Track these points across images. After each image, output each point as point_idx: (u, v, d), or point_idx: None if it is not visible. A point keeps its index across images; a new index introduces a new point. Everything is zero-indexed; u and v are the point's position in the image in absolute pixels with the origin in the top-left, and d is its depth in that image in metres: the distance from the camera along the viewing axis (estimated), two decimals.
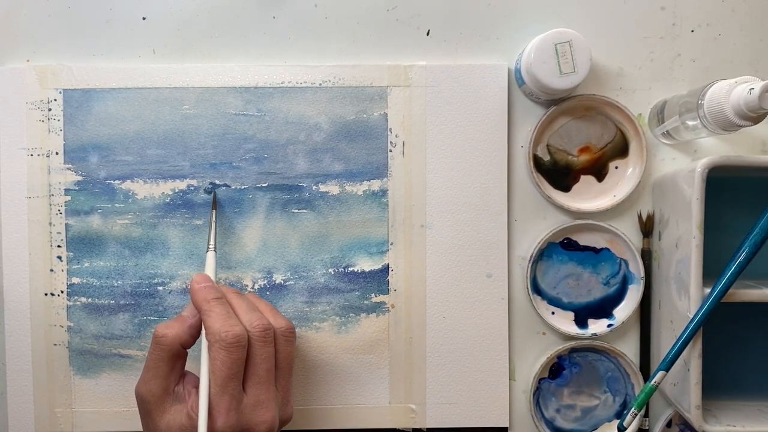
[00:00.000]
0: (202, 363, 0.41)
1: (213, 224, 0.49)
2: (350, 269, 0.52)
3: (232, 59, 0.52)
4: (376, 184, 0.52)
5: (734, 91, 0.42)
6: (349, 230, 0.52)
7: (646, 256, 0.52)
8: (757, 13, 0.52)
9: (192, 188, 0.51)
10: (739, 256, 0.44)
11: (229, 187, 0.51)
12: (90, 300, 0.51)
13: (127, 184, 0.51)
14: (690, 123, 0.46)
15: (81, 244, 0.51)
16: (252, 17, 0.52)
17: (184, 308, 0.45)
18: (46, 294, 0.51)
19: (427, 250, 0.52)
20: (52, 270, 0.51)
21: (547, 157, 0.52)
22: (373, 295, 0.52)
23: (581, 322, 0.52)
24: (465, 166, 0.52)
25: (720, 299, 0.44)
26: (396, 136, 0.52)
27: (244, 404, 0.40)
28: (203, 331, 0.42)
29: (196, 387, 0.42)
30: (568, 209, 0.51)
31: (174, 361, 0.42)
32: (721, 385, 0.50)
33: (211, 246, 0.48)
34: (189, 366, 0.45)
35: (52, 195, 0.51)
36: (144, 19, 0.52)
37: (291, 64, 0.52)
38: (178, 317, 0.44)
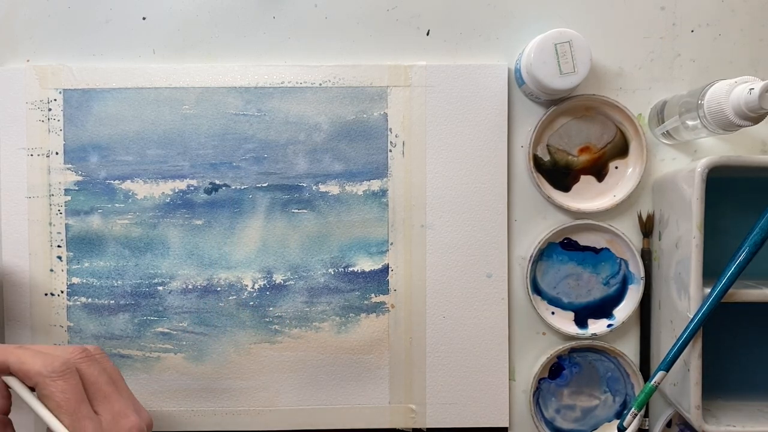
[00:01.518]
0: (38, 411, 0.37)
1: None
2: (350, 269, 0.52)
3: (232, 59, 0.52)
4: (376, 184, 0.52)
5: (734, 91, 0.42)
6: (349, 230, 0.52)
7: (646, 256, 0.52)
8: (757, 13, 0.52)
9: (192, 188, 0.51)
10: (739, 256, 0.44)
11: (229, 187, 0.51)
12: (90, 300, 0.51)
13: (127, 184, 0.51)
14: (690, 123, 0.46)
15: (81, 244, 0.51)
16: (252, 17, 0.52)
17: None
18: (46, 294, 0.51)
19: (427, 250, 0.52)
20: (52, 270, 0.51)
21: (547, 157, 0.52)
22: (373, 295, 0.52)
23: (581, 322, 0.52)
24: (465, 166, 0.52)
25: (720, 299, 0.44)
26: (396, 136, 0.52)
27: (104, 422, 0.38)
28: (17, 385, 0.39)
29: None
30: (568, 209, 0.51)
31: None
32: (721, 385, 0.50)
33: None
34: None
35: (52, 195, 0.51)
36: (144, 19, 0.52)
37: (291, 64, 0.52)
38: None
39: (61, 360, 0.38)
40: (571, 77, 0.47)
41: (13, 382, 0.39)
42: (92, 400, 0.39)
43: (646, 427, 0.52)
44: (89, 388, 0.39)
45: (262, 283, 0.52)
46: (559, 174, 0.52)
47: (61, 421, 0.37)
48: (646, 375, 0.52)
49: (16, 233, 0.51)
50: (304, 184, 0.52)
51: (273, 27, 0.52)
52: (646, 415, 0.52)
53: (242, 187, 0.51)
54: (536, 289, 0.52)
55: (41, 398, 0.37)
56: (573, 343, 0.52)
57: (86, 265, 0.51)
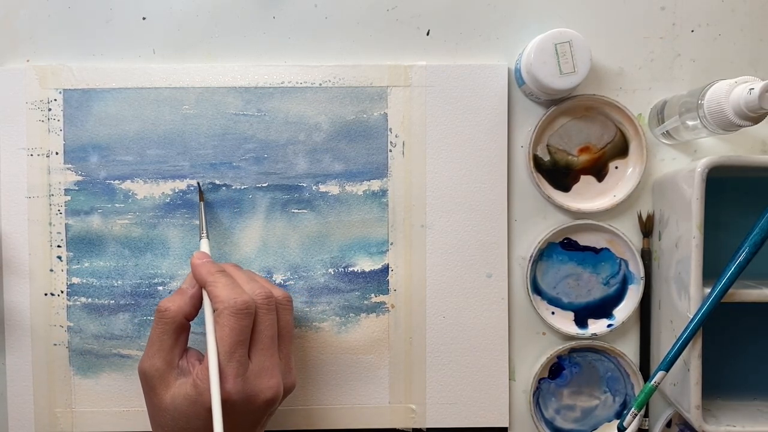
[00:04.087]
0: (208, 332, 0.41)
1: (202, 214, 0.50)
2: (350, 269, 0.52)
3: (232, 59, 0.52)
4: (376, 184, 0.52)
5: (734, 91, 0.42)
6: (349, 230, 0.52)
7: (646, 256, 0.52)
8: (757, 13, 0.52)
9: (192, 188, 0.51)
10: (739, 256, 0.44)
11: (230, 187, 0.51)
12: (90, 300, 0.51)
13: (127, 184, 0.51)
14: (690, 123, 0.46)
15: (81, 244, 0.51)
16: (252, 17, 0.52)
17: (182, 282, 0.46)
18: (46, 294, 0.51)
19: (427, 250, 0.52)
20: (52, 270, 0.51)
21: (547, 157, 0.52)
22: (373, 295, 0.52)
23: (581, 322, 0.52)
24: (465, 166, 0.52)
25: (720, 299, 0.44)
26: (396, 136, 0.52)
27: (250, 371, 0.41)
28: (206, 301, 0.43)
29: (199, 360, 0.43)
30: (568, 209, 0.51)
31: (178, 334, 0.43)
32: (721, 385, 0.50)
33: (203, 234, 0.49)
34: (189, 343, 0.45)
35: (52, 195, 0.51)
36: (144, 19, 0.52)
37: (291, 64, 0.52)
38: (177, 291, 0.44)
39: (243, 300, 0.41)
40: (571, 77, 0.47)
41: (206, 299, 0.43)
42: (252, 345, 0.42)
43: (646, 427, 0.52)
44: (254, 336, 0.42)
45: None
46: (559, 174, 0.52)
47: (217, 351, 0.40)
48: (646, 375, 0.52)
49: (16, 233, 0.51)
50: (304, 184, 0.52)
51: (273, 27, 0.52)
52: (646, 415, 0.52)
53: (242, 187, 0.51)
54: (536, 289, 0.52)
55: (214, 323, 0.41)
56: (573, 343, 0.52)
57: (86, 265, 0.51)
